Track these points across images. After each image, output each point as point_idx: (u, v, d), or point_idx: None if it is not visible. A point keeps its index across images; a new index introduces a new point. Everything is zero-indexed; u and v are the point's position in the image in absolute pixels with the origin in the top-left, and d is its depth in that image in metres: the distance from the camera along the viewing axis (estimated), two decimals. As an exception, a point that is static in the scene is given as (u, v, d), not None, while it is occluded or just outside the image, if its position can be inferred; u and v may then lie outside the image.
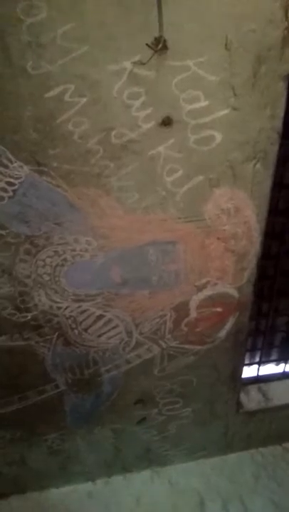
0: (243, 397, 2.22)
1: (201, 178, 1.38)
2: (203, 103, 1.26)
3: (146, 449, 2.21)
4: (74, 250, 1.48)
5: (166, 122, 1.25)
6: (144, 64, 1.15)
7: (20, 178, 1.29)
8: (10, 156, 1.24)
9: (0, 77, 1.12)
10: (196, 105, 1.25)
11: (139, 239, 1.50)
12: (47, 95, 1.16)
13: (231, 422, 2.23)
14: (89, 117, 1.22)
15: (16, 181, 1.29)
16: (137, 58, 1.15)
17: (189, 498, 2.15)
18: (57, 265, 1.49)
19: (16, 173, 1.27)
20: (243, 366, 2.04)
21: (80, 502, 2.14)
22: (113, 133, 1.25)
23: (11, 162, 1.25)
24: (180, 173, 1.36)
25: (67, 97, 1.17)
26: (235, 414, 2.21)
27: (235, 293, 1.70)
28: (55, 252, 1.47)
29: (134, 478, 2.26)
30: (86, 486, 2.22)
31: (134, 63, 1.16)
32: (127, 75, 1.17)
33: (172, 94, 1.22)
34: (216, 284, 1.65)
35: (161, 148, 1.31)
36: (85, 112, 1.21)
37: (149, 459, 2.26)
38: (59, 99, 1.17)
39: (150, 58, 1.15)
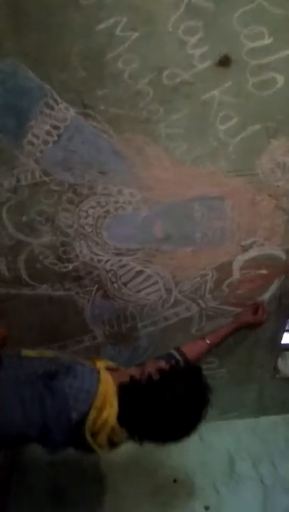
0: (280, 362, 2.17)
1: (257, 127, 1.27)
2: (267, 41, 1.12)
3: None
4: (117, 202, 1.44)
5: (224, 62, 1.14)
6: (204, -8, 1.04)
7: (66, 121, 1.23)
8: (56, 97, 1.18)
9: (49, 8, 1.05)
10: (259, 43, 1.12)
11: (185, 193, 1.43)
12: (97, 28, 1.08)
13: (266, 386, 2.21)
14: (140, 54, 1.12)
15: (62, 124, 1.24)
16: (196, -15, 1.04)
17: (219, 455, 2.18)
18: (99, 217, 1.46)
19: (62, 115, 1.22)
20: (283, 332, 1.98)
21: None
22: (165, 73, 1.16)
23: (57, 103, 1.20)
24: (235, 120, 1.25)
25: (118, 31, 1.08)
26: (271, 379, 2.17)
27: (283, 255, 1.61)
28: (98, 202, 1.43)
29: (164, 432, 2.31)
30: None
31: (193, -9, 1.04)
32: (184, 5, 1.06)
33: (232, 29, 1.10)
34: (263, 244, 1.56)
35: (215, 92, 1.20)
36: (136, 48, 1.11)
37: (181, 414, 2.29)
38: (110, 32, 1.08)
39: (211, -14, 1.03)
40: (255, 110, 1.24)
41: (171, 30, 1.09)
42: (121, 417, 1.18)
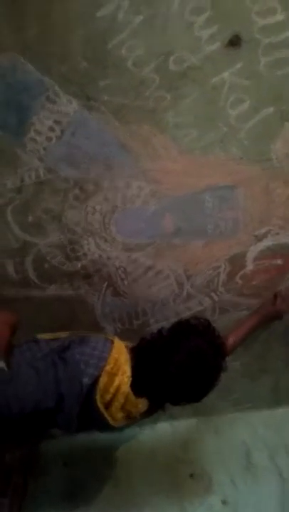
0: (296, 353, 2.13)
1: (271, 110, 1.21)
2: (280, 16, 1.05)
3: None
4: (125, 196, 1.38)
5: (234, 42, 1.07)
6: None
7: (69, 115, 1.18)
8: (58, 90, 1.13)
9: (46, -5, 0.99)
10: (271, 19, 1.05)
11: (195, 183, 1.38)
12: (98, 14, 1.01)
13: (281, 377, 2.17)
14: (145, 39, 1.06)
15: (64, 119, 1.18)
16: None
17: (236, 448, 2.15)
18: (107, 212, 1.41)
19: (64, 109, 1.16)
20: (299, 322, 1.93)
21: (127, 445, 2.19)
22: (172, 58, 1.09)
23: (59, 97, 1.14)
24: (246, 104, 1.19)
25: (121, 16, 1.02)
26: (286, 370, 2.13)
27: (299, 244, 1.56)
28: (105, 198, 1.38)
29: (179, 426, 2.28)
30: (132, 431, 2.26)
31: None
32: (190, -17, 0.99)
33: (243, 6, 1.03)
34: (277, 233, 1.51)
35: (226, 75, 1.13)
36: (140, 33, 1.05)
37: (196, 407, 2.24)
38: (112, 18, 1.02)
39: None
40: (269, 92, 1.18)
41: (177, 11, 1.03)
42: (136, 384, 1.16)
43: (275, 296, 1.67)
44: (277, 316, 1.71)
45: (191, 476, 2.05)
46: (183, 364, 1.13)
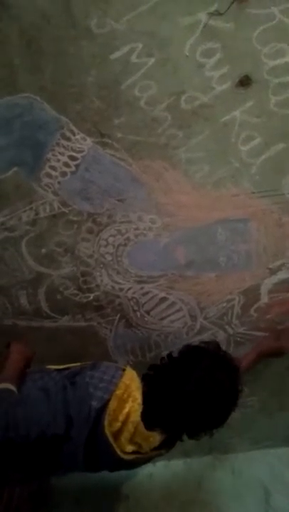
0: (314, 388, 2.05)
1: (281, 146, 1.22)
2: (289, 58, 1.09)
3: (208, 435, 2.13)
4: (137, 229, 1.40)
5: (244, 82, 1.10)
6: (221, 14, 1.01)
7: (83, 151, 1.21)
8: (73, 128, 1.17)
9: (62, 40, 1.04)
10: (280, 61, 1.08)
11: (208, 217, 1.38)
12: (112, 57, 1.06)
13: (300, 413, 2.09)
14: (157, 80, 1.10)
15: (79, 155, 1.22)
16: (213, 8, 1.01)
17: (254, 488, 2.05)
18: (119, 245, 1.42)
19: (79, 146, 1.20)
20: (317, 356, 1.87)
21: (140, 482, 2.12)
22: (183, 97, 1.13)
23: (74, 134, 1.18)
24: (257, 141, 1.21)
25: (133, 58, 1.06)
26: (305, 406, 2.06)
27: (314, 276, 1.53)
28: (118, 230, 1.39)
29: (194, 464, 2.20)
30: (145, 468, 2.19)
31: (210, 14, 1.01)
32: (201, 28, 1.03)
33: (252, 48, 1.07)
34: (292, 266, 1.49)
35: (236, 113, 1.16)
36: (153, 75, 1.09)
37: (211, 445, 2.18)
38: (125, 60, 1.06)
39: (229, 7, 1.00)
40: (279, 129, 1.19)
41: (188, 53, 1.06)
42: (148, 415, 1.12)
43: (278, 333, 1.63)
44: (279, 353, 1.66)
45: (207, 518, 1.96)
46: (201, 381, 1.09)
